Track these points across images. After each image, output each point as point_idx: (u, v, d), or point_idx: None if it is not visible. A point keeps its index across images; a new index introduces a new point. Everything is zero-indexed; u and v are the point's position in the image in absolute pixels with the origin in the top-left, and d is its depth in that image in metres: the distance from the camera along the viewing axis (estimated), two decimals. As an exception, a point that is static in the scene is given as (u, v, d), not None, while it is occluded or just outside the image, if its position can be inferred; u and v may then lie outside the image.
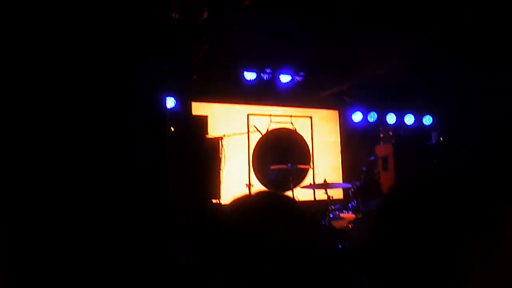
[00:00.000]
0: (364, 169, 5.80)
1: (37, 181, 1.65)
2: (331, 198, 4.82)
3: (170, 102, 5.58)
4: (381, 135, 7.12)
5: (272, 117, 6.52)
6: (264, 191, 0.92)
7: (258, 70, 5.91)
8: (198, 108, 6.19)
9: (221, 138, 5.42)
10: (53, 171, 1.66)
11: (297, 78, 6.23)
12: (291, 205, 0.85)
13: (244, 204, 0.84)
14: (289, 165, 5.29)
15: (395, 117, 7.14)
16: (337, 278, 0.76)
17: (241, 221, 0.79)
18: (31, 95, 1.68)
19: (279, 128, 6.55)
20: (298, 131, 6.67)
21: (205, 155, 5.17)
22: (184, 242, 3.12)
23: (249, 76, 5.93)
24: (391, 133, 6.94)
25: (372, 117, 7.11)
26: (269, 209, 0.81)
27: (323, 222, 4.50)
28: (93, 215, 1.68)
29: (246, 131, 6.27)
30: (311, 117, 6.90)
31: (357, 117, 7.00)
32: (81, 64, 1.79)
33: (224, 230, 0.80)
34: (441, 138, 6.59)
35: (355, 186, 5.25)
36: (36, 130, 1.67)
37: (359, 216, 4.86)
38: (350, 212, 5.16)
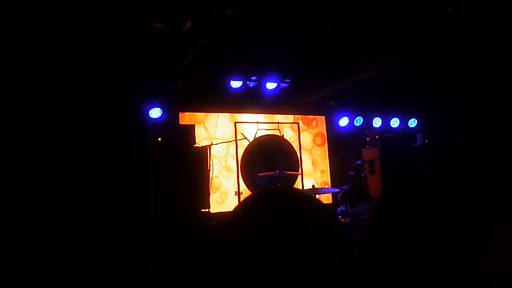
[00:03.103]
0: (352, 173, 5.84)
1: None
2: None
3: (157, 113, 5.55)
4: (368, 139, 7.18)
5: (259, 124, 6.53)
6: (275, 188, 0.86)
7: (244, 78, 5.92)
8: (185, 118, 6.18)
9: (209, 146, 5.41)
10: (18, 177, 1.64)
11: (283, 85, 6.26)
12: (300, 202, 0.80)
13: (252, 204, 0.80)
14: (277, 171, 5.29)
15: (381, 120, 7.23)
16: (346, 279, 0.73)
17: (248, 221, 0.76)
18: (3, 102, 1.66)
19: (267, 135, 6.56)
20: (285, 137, 6.69)
21: (193, 164, 5.14)
22: (166, 267, 3.04)
23: (235, 84, 5.94)
24: (377, 137, 7.01)
25: (358, 121, 7.18)
26: (275, 207, 0.77)
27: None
28: (69, 227, 1.66)
29: (234, 139, 6.26)
30: (298, 123, 6.93)
31: (343, 121, 7.06)
32: (61, 73, 1.78)
33: (232, 230, 0.78)
34: (426, 141, 6.68)
35: (343, 191, 5.27)
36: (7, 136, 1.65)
37: (348, 220, 4.88)
38: (339, 217, 5.17)
